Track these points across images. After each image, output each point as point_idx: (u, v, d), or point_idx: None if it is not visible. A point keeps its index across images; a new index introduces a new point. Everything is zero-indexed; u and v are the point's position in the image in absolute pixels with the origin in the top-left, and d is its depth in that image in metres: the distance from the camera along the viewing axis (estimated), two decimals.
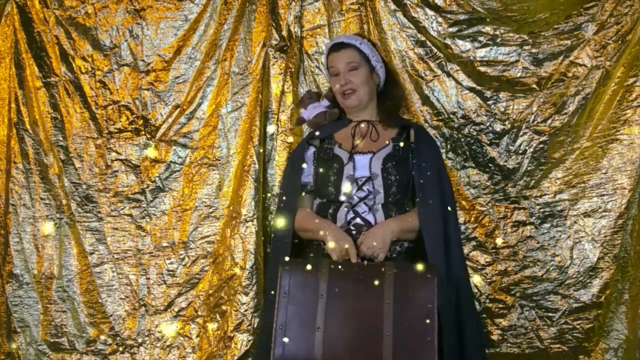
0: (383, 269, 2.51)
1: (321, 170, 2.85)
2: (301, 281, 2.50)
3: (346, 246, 2.66)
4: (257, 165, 3.70)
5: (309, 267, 2.54)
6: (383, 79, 3.01)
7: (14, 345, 3.74)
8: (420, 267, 2.55)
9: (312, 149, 2.94)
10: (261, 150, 3.72)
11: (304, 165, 2.90)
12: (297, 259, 2.76)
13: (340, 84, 2.90)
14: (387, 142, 2.87)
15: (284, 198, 2.93)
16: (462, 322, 2.73)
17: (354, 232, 2.73)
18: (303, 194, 2.90)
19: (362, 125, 2.93)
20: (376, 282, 2.47)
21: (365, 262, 2.64)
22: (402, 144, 2.86)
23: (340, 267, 2.56)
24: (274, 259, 2.91)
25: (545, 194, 3.63)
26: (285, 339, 2.43)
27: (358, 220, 2.75)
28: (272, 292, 2.66)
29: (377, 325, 2.42)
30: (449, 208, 2.86)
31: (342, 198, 2.78)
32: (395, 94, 3.04)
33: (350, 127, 2.94)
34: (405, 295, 2.45)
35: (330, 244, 2.69)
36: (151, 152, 3.77)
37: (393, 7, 3.72)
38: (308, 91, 3.26)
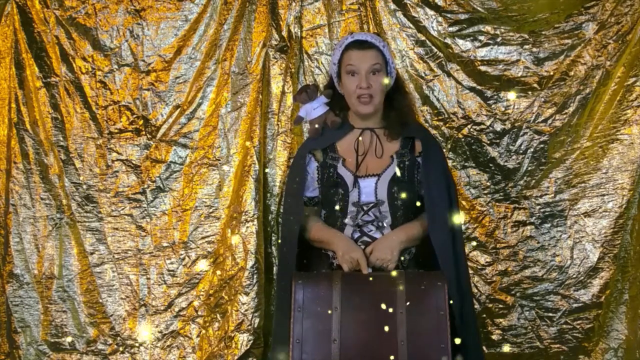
0: (394, 279, 2.52)
1: (326, 193, 2.80)
2: (315, 294, 2.51)
3: (357, 257, 2.66)
4: (257, 165, 3.70)
5: (322, 279, 2.56)
6: (391, 85, 2.84)
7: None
8: (430, 275, 2.58)
9: (314, 164, 2.85)
10: (261, 150, 3.72)
11: (308, 179, 2.84)
12: (309, 272, 2.77)
13: (361, 86, 2.70)
14: (392, 157, 2.78)
15: (288, 208, 2.88)
16: (465, 328, 2.72)
17: (362, 248, 2.72)
18: (311, 206, 2.87)
19: (366, 135, 2.82)
20: (388, 293, 2.49)
21: (375, 273, 2.65)
22: (407, 161, 2.78)
23: (352, 278, 2.57)
24: (282, 268, 2.89)
25: (546, 194, 3.63)
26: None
27: (365, 238, 2.74)
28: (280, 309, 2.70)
29: (391, 335, 2.44)
30: (455, 214, 2.82)
31: (348, 221, 2.76)
32: (402, 104, 2.86)
33: (353, 137, 2.82)
34: (417, 304, 2.47)
35: (341, 255, 2.68)
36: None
37: (393, 6, 3.72)
38: (306, 87, 3.00)
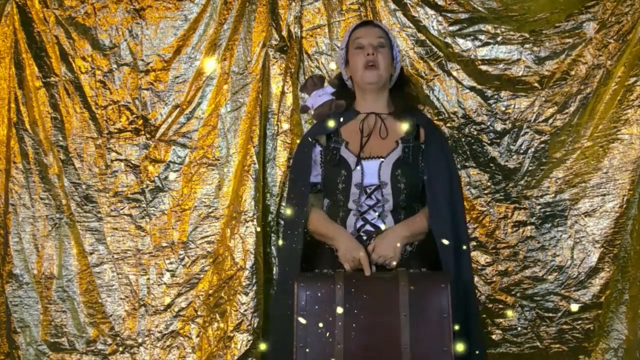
0: (397, 281, 2.51)
1: (329, 175, 2.81)
2: (317, 296, 2.50)
3: (359, 257, 2.65)
4: (257, 165, 3.69)
5: (323, 281, 2.55)
6: (396, 75, 2.92)
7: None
8: (433, 276, 2.58)
9: (318, 148, 2.87)
10: (261, 150, 3.72)
11: (312, 164, 2.85)
12: (311, 272, 2.73)
13: (367, 53, 2.78)
14: (396, 142, 2.80)
15: (292, 196, 2.89)
16: (469, 326, 2.72)
17: (364, 238, 2.72)
18: (313, 193, 2.87)
19: (370, 119, 2.85)
20: (391, 295, 2.48)
21: (378, 270, 2.66)
22: (411, 146, 2.79)
23: (355, 279, 2.55)
24: (285, 260, 2.90)
25: (546, 194, 3.62)
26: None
27: (368, 227, 2.73)
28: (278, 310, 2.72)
29: (394, 338, 2.43)
30: (459, 209, 2.84)
31: (351, 205, 2.76)
32: (408, 90, 2.97)
33: (357, 121, 2.85)
34: (421, 306, 2.47)
35: (342, 254, 2.68)
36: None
37: (393, 6, 3.72)
38: (311, 77, 3.12)
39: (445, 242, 2.69)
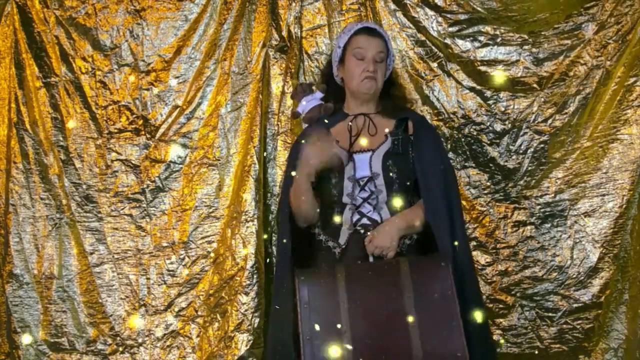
0: (398, 266, 2.53)
1: (322, 173, 2.80)
2: (319, 289, 2.51)
3: (333, 150, 2.66)
4: (257, 165, 3.70)
5: (324, 274, 2.56)
6: (386, 77, 2.94)
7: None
8: (432, 257, 2.60)
9: None
10: (261, 150, 3.72)
11: None
12: (311, 268, 2.74)
13: (368, 69, 2.80)
14: (386, 136, 2.82)
15: (286, 195, 2.89)
16: (469, 315, 2.71)
17: (362, 232, 2.72)
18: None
19: (359, 119, 2.87)
20: (393, 280, 2.49)
21: (378, 261, 2.66)
22: (400, 137, 2.81)
23: (355, 269, 2.57)
24: (280, 262, 2.89)
25: (546, 194, 3.63)
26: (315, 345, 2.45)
27: (364, 220, 2.74)
28: (277, 307, 2.73)
29: (401, 320, 2.44)
30: (453, 198, 2.84)
31: (345, 200, 2.77)
32: (396, 92, 2.99)
33: (346, 122, 2.88)
34: (424, 286, 2.48)
35: (312, 149, 2.67)
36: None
37: (393, 7, 3.73)
38: (300, 84, 3.13)
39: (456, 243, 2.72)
